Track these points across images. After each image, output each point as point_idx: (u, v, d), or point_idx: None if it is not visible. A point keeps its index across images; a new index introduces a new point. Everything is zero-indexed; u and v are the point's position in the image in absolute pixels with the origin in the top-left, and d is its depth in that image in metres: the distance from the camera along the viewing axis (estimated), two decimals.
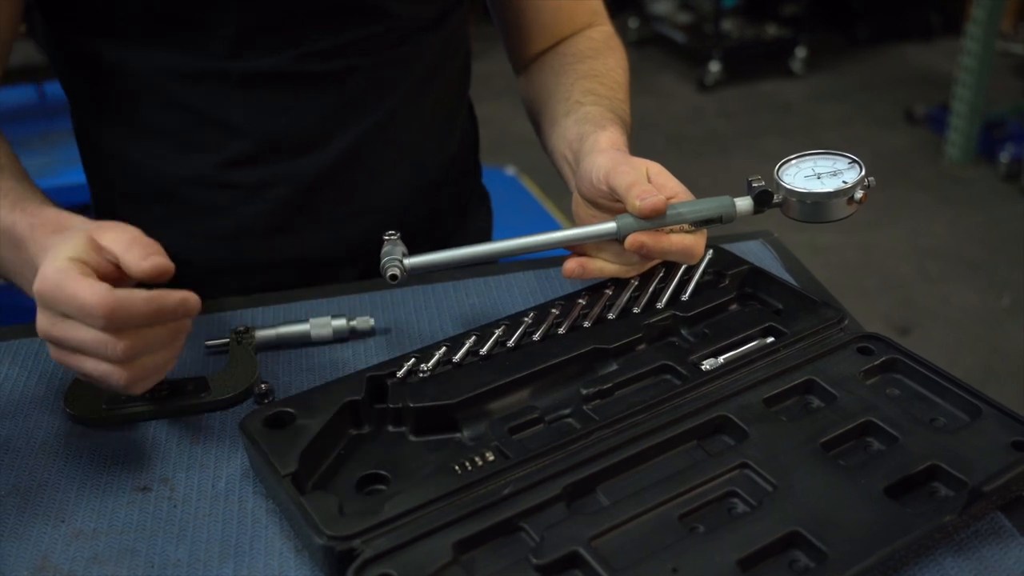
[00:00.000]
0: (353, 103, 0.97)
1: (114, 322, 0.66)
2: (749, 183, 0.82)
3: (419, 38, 0.98)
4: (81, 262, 0.68)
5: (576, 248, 0.87)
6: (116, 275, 0.70)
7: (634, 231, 0.80)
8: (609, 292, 0.87)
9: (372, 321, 0.90)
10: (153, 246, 0.70)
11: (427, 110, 1.04)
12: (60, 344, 0.69)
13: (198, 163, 0.96)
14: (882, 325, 2.75)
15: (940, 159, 3.75)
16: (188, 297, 0.69)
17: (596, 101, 0.97)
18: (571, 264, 0.85)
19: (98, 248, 0.69)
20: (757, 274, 0.91)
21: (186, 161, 0.96)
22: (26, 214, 0.76)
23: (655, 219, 0.80)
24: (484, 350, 0.80)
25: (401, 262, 0.80)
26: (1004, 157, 3.56)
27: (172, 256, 0.70)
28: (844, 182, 0.80)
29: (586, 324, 0.84)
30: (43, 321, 0.69)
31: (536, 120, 1.08)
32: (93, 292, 0.66)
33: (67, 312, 0.67)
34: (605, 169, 0.83)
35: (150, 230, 0.72)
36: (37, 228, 0.74)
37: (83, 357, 0.69)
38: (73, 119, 1.03)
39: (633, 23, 5.01)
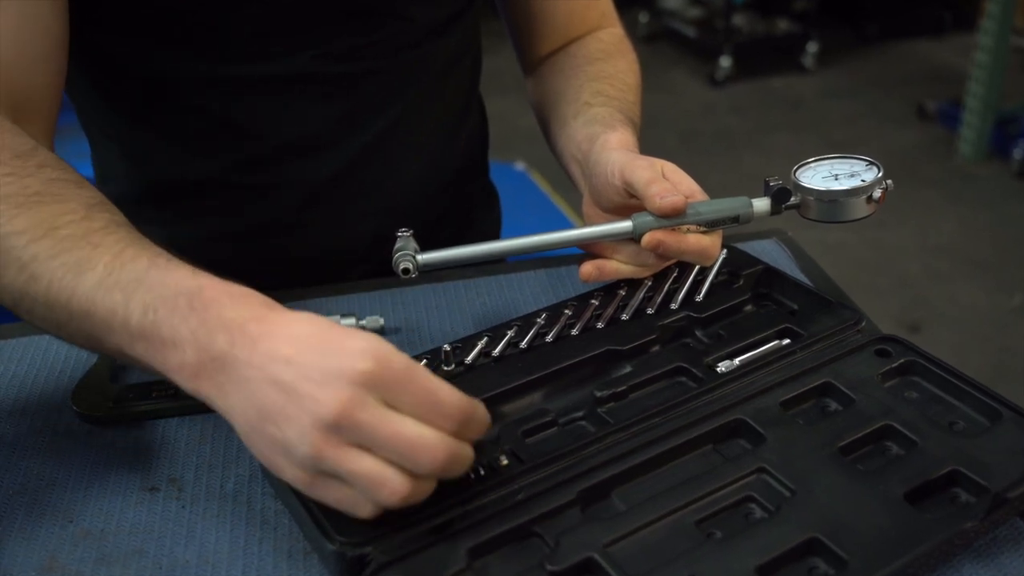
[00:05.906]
0: (367, 105, 0.96)
1: (460, 429, 0.57)
2: (767, 183, 0.81)
3: (433, 40, 0.97)
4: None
5: (591, 249, 0.86)
6: None
7: (651, 229, 0.80)
8: (622, 292, 0.86)
9: (382, 320, 0.89)
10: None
11: (439, 110, 1.03)
12: (364, 439, 0.55)
13: (211, 165, 0.95)
14: (891, 323, 2.73)
15: (952, 156, 3.72)
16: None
17: (606, 103, 0.96)
18: (588, 267, 0.85)
19: None
20: (772, 274, 0.89)
21: (199, 163, 0.95)
22: (210, 279, 0.63)
23: (673, 218, 0.79)
24: (496, 351, 0.79)
25: (414, 257, 0.79)
26: (1017, 154, 3.53)
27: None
28: (863, 180, 0.79)
29: (599, 325, 0.83)
30: (348, 398, 0.54)
31: (545, 122, 1.06)
32: (452, 391, 0.56)
33: (400, 403, 0.55)
34: (620, 164, 0.82)
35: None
36: (233, 294, 0.62)
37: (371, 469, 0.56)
38: (81, 118, 1.02)
39: (643, 18, 5.00)
